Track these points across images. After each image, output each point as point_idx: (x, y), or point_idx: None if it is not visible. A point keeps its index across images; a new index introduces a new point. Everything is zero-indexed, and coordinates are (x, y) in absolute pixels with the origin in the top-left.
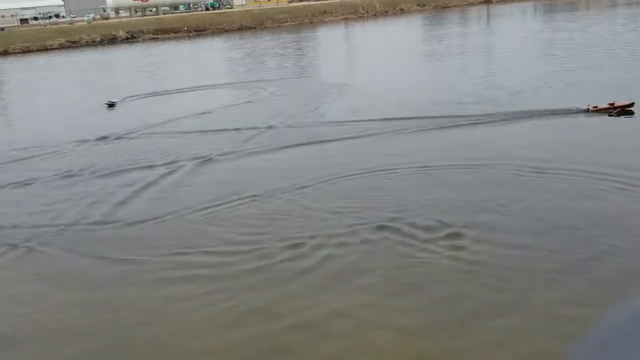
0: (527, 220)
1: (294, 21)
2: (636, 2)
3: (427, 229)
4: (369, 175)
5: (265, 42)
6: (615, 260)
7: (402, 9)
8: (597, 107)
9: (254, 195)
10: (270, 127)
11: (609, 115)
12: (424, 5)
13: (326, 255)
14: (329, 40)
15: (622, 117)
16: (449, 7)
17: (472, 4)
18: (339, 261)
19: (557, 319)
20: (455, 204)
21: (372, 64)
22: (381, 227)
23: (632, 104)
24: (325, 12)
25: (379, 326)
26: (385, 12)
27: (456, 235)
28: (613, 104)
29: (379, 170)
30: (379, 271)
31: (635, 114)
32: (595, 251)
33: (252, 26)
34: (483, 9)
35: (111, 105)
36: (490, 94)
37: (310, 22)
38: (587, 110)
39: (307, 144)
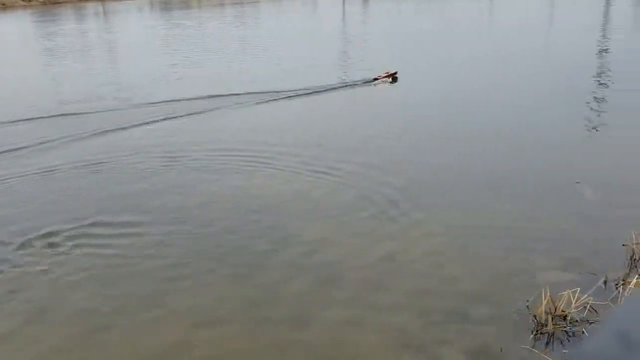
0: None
1: None
2: (239, 2)
3: (54, 244)
4: None
5: None
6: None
7: (4, 4)
8: (380, 76)
9: None
10: None
11: (391, 83)
12: (30, 0)
13: None
14: None
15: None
16: (60, 2)
17: (85, 0)
18: None
19: (182, 312)
20: (79, 207)
21: None
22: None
23: (396, 72)
24: None
25: None
26: None
27: (77, 246)
28: (389, 72)
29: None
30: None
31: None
32: (211, 235)
33: None
34: (99, 5)
35: None
36: (119, 90)
37: None
38: (375, 80)
39: None
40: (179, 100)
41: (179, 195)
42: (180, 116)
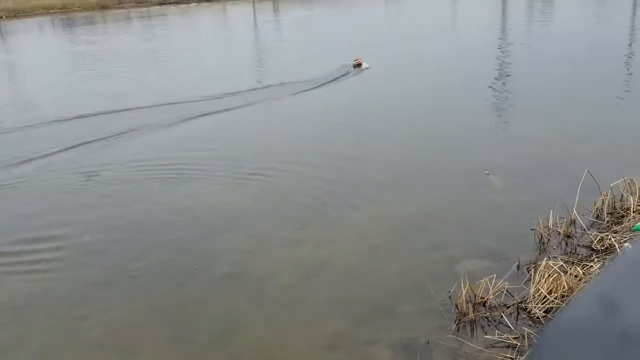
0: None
1: None
2: (147, 15)
3: None
4: None
5: None
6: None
7: None
8: (360, 63)
9: None
10: None
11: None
12: None
13: None
14: None
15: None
16: None
17: None
18: None
19: (100, 339)
20: None
21: None
22: None
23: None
24: None
25: None
26: None
27: None
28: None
29: None
30: None
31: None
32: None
33: None
34: None
35: None
36: (24, 111)
37: None
38: (357, 66)
39: None
40: (92, 114)
41: (93, 214)
42: (98, 136)
